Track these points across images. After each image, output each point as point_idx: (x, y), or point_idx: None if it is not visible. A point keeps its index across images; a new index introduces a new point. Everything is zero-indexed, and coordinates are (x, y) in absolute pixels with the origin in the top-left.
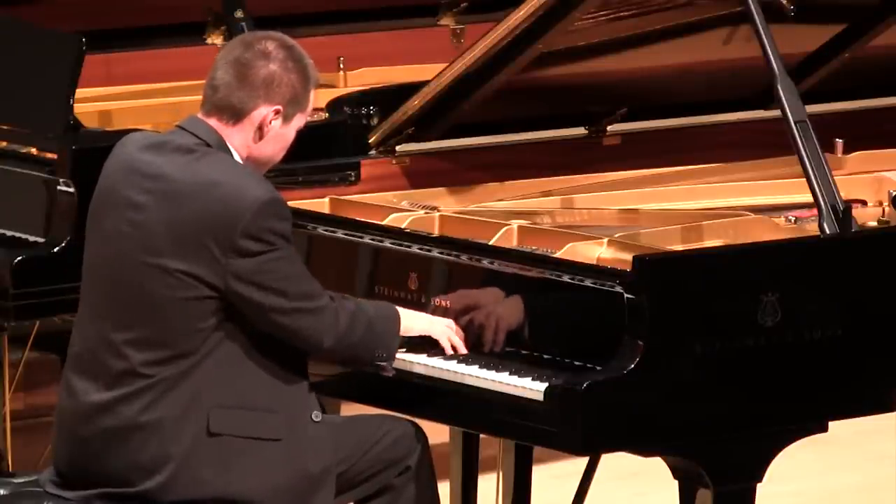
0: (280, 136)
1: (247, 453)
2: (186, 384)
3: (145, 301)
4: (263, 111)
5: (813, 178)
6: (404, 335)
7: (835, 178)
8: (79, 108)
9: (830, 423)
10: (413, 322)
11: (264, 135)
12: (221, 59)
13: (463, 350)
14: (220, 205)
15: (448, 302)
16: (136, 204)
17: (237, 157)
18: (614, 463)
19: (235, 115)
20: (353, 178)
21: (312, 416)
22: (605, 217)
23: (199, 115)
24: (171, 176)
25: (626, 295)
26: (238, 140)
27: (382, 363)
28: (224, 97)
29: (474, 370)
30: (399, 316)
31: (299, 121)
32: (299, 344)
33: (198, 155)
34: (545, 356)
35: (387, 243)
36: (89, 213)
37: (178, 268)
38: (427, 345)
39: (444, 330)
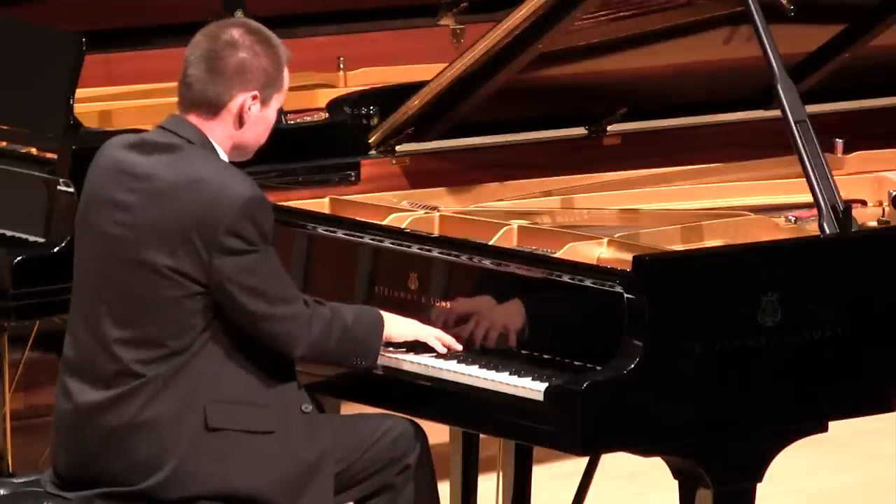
0: (261, 119)
1: (243, 447)
2: (181, 381)
3: (135, 301)
4: (240, 99)
5: (813, 178)
6: (389, 341)
7: (835, 178)
8: (79, 108)
9: (830, 423)
10: (398, 328)
11: (245, 122)
12: (191, 55)
13: (456, 347)
14: (204, 202)
15: (448, 302)
16: (123, 204)
17: (220, 151)
18: (614, 463)
19: (213, 108)
20: (353, 178)
21: (302, 408)
22: (605, 217)
23: (179, 113)
24: (157, 175)
25: (626, 295)
26: (220, 133)
27: (363, 367)
28: (199, 93)
29: (474, 370)
30: (382, 322)
31: (278, 101)
32: (271, 348)
33: (181, 153)
34: (545, 356)
35: (387, 243)
36: (77, 217)
37: (166, 264)
38: (425, 346)
39: (433, 331)
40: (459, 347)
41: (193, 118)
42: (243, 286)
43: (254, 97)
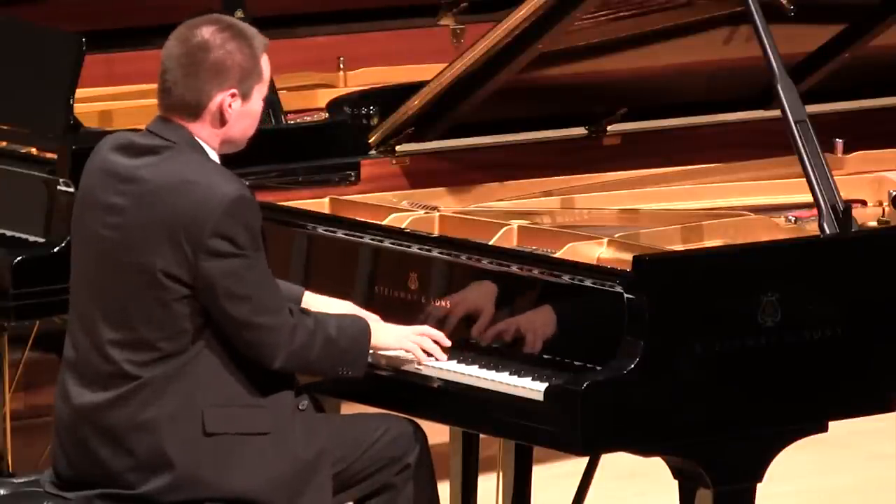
0: (245, 113)
1: (240, 450)
2: (179, 384)
3: (126, 302)
4: (219, 99)
5: (813, 178)
6: (376, 349)
7: (835, 178)
8: (79, 108)
9: (830, 423)
10: (384, 338)
11: (227, 119)
12: (166, 60)
13: (441, 357)
14: (191, 203)
15: (448, 302)
16: (112, 207)
17: (208, 149)
18: (614, 463)
19: (193, 111)
20: (353, 178)
21: (299, 406)
22: (605, 217)
23: (162, 116)
24: (144, 177)
25: (626, 295)
26: (205, 133)
27: (349, 377)
28: (178, 98)
29: (474, 370)
30: (369, 331)
31: (260, 91)
32: (252, 357)
33: (167, 155)
34: (545, 356)
35: (387, 243)
36: (73, 218)
37: (157, 267)
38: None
39: (417, 339)
40: (444, 357)
41: (177, 120)
42: (229, 292)
43: (232, 95)
